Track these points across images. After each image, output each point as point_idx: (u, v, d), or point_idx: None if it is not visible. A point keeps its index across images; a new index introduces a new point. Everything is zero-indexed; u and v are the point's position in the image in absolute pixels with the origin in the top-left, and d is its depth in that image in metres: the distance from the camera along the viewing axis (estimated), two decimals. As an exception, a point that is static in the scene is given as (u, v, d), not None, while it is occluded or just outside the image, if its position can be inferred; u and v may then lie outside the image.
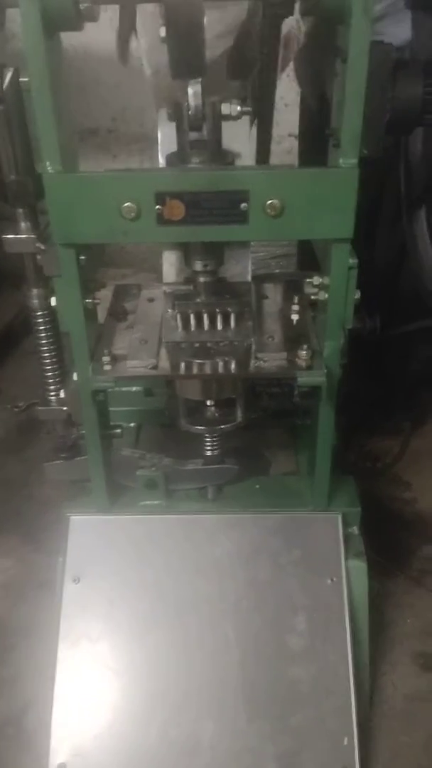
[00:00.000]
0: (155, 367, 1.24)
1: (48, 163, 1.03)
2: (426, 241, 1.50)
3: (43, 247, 1.12)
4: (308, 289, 1.32)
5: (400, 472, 2.13)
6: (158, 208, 1.06)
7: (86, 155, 3.45)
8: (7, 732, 1.43)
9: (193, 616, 1.39)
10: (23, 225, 1.13)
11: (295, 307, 1.37)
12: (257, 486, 1.54)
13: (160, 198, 1.05)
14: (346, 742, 1.30)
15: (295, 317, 1.37)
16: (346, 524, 1.46)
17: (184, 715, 1.33)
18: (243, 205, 1.06)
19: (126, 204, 1.05)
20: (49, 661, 1.37)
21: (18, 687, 1.52)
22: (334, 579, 1.40)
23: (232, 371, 1.24)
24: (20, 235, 1.13)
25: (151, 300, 1.45)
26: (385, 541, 1.81)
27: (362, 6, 0.93)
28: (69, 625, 1.39)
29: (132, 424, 1.80)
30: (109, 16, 2.83)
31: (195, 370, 1.24)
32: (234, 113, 1.07)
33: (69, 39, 1.06)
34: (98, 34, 2.97)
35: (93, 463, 1.41)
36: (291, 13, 1.01)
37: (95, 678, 1.36)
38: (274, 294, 1.45)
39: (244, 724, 1.32)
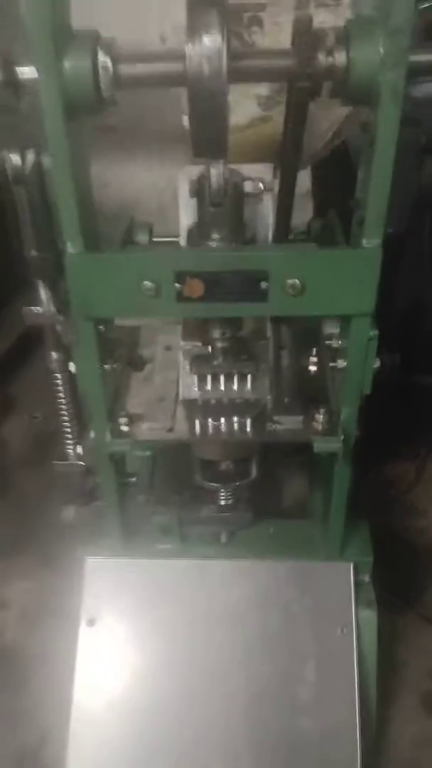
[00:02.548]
0: (171, 430, 1.25)
1: (69, 244, 1.03)
2: None
3: (62, 318, 1.12)
4: (327, 330, 1.29)
5: (414, 499, 2.14)
6: (178, 287, 1.05)
7: (104, 153, 3.40)
8: (24, 766, 1.48)
9: (205, 662, 1.43)
10: (44, 296, 1.13)
11: (314, 359, 1.36)
12: (270, 530, 1.55)
13: (180, 277, 1.04)
14: (351, 791, 1.34)
15: (312, 368, 1.36)
16: (357, 572, 1.48)
17: (192, 760, 1.37)
18: (263, 284, 1.05)
19: (146, 283, 1.04)
20: (64, 693, 1.41)
21: (35, 719, 1.57)
22: (345, 630, 1.42)
23: (248, 435, 1.24)
24: (40, 308, 1.13)
25: (168, 348, 1.44)
26: (397, 576, 1.83)
27: (391, 91, 0.91)
28: (84, 668, 1.43)
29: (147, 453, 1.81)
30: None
31: (210, 433, 1.24)
32: (256, 191, 1.05)
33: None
34: (124, 33, 2.90)
35: (109, 510, 1.43)
36: (319, 93, 0.98)
37: (109, 719, 1.40)
38: (291, 343, 1.44)
39: (251, 771, 1.36)
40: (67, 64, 0.91)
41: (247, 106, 1.30)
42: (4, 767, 1.49)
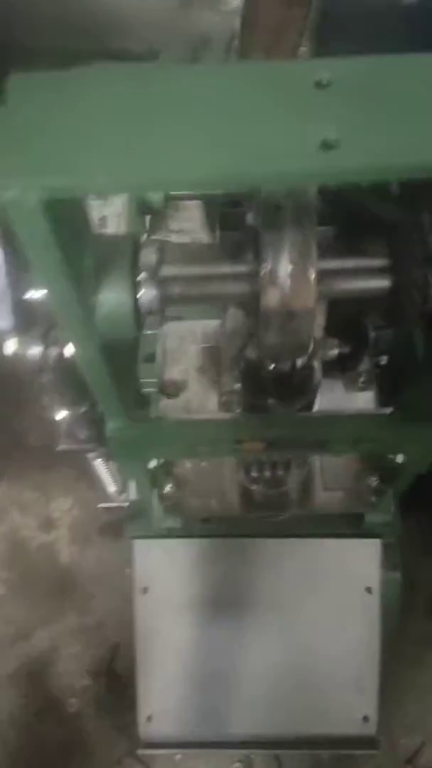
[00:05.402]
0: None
1: (110, 421, 0.89)
2: None
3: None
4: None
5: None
6: (236, 446, 0.94)
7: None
8: (101, 680, 1.81)
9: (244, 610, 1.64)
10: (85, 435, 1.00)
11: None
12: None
13: (239, 440, 0.93)
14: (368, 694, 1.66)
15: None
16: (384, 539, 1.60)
17: (237, 686, 1.68)
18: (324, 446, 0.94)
19: (201, 446, 0.93)
20: (126, 612, 1.62)
21: (103, 634, 1.86)
22: (371, 590, 1.61)
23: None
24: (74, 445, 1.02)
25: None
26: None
27: None
28: (143, 620, 1.64)
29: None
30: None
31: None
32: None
33: None
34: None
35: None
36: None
37: (169, 658, 1.67)
38: None
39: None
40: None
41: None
42: (84, 680, 1.82)
